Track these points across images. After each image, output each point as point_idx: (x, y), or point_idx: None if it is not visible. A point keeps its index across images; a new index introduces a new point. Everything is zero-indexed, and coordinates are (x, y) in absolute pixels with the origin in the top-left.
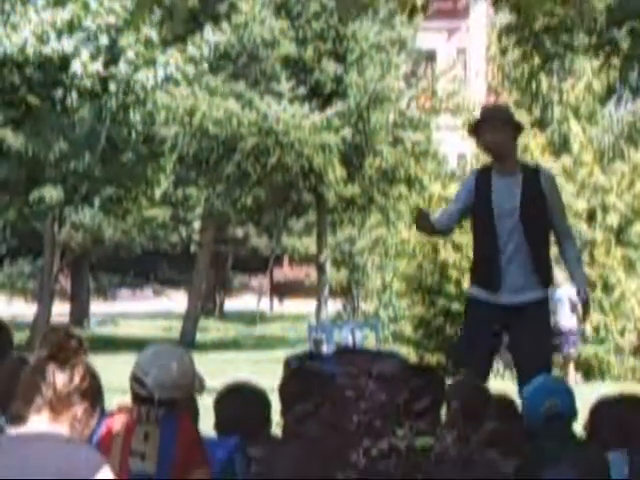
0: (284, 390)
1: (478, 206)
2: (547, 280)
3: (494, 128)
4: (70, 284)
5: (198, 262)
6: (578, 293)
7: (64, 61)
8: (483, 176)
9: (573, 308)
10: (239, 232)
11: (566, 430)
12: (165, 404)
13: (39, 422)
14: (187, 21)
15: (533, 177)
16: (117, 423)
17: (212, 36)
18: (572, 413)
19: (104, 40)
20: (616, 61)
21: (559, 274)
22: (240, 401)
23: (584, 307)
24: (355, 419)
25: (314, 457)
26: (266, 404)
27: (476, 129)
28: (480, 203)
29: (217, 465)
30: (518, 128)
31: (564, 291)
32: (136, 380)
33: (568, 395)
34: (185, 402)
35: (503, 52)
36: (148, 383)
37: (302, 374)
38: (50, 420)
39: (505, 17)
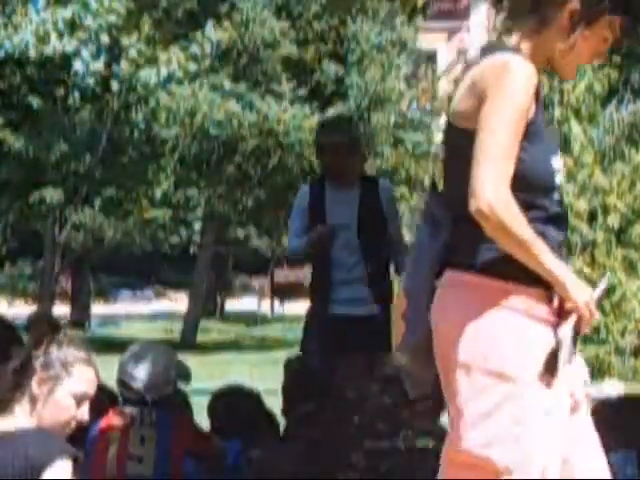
0: (287, 391)
1: (312, 221)
2: (384, 296)
3: (338, 152)
4: (71, 285)
5: (199, 263)
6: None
7: (65, 60)
8: (317, 189)
9: None
10: (240, 233)
11: None
12: (157, 404)
13: (18, 415)
14: (187, 20)
15: (371, 189)
16: (111, 426)
17: (214, 33)
18: None
19: (105, 39)
20: (617, 59)
21: None
22: (232, 405)
23: None
24: (356, 420)
25: (315, 457)
26: (257, 406)
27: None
28: (314, 218)
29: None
30: (357, 144)
31: None
32: (124, 385)
33: None
34: (176, 399)
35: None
36: (137, 387)
37: (304, 375)
38: (29, 412)
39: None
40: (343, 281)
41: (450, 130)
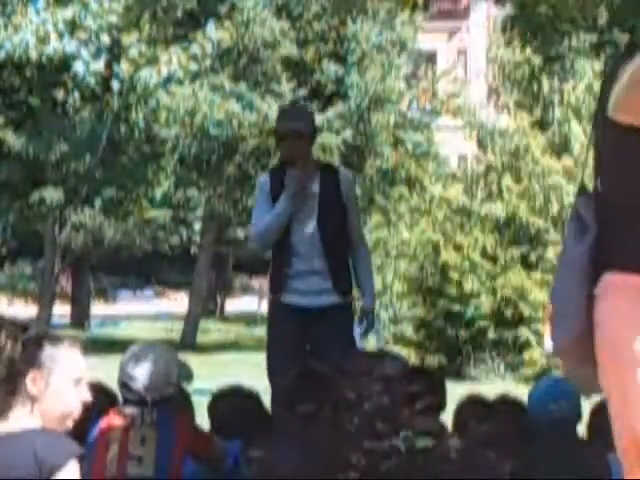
0: (287, 391)
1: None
2: (344, 287)
3: (291, 142)
4: (71, 286)
5: (199, 263)
6: (366, 308)
7: (65, 61)
8: (277, 177)
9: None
10: (240, 233)
11: (571, 432)
12: (158, 404)
13: (20, 417)
14: (187, 20)
15: (331, 178)
16: (111, 426)
17: (214, 33)
18: (578, 416)
19: (105, 39)
20: None
21: None
22: (232, 405)
23: (369, 322)
24: (356, 420)
25: (315, 458)
26: (257, 406)
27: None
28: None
29: (224, 469)
30: (314, 133)
31: None
32: (124, 386)
33: (574, 398)
34: (178, 398)
35: (508, 43)
36: (137, 388)
37: (305, 375)
38: (30, 412)
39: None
40: (303, 271)
41: (609, 127)
